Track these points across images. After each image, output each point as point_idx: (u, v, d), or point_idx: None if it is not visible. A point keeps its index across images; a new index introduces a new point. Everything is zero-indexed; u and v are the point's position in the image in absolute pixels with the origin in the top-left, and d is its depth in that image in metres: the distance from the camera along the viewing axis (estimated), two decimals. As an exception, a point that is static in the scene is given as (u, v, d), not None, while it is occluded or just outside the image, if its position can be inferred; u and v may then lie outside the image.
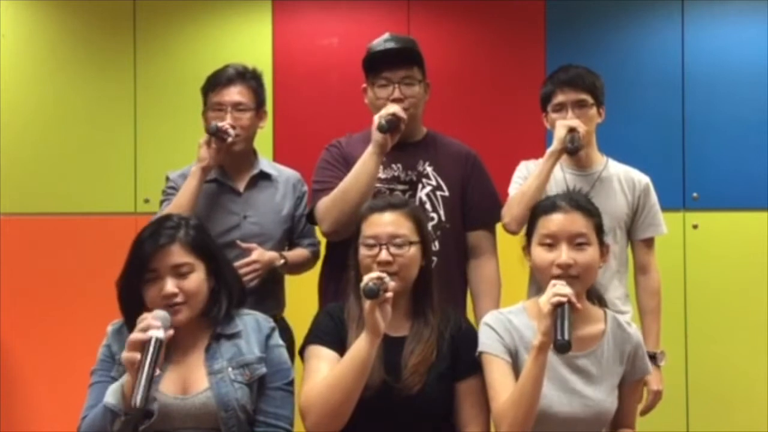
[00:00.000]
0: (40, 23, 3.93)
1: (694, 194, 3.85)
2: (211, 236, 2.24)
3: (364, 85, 2.73)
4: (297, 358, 2.33)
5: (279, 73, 3.91)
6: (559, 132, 2.66)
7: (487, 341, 2.16)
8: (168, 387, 2.05)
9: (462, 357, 2.22)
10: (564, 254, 2.11)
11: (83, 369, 2.24)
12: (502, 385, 2.09)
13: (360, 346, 2.06)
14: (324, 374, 2.12)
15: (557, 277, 2.09)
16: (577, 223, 2.15)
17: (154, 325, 1.92)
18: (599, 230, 2.19)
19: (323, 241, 2.77)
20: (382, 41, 2.71)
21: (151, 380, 1.86)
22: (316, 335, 2.23)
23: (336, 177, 2.65)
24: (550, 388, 2.09)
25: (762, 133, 3.85)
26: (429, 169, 2.71)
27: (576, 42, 3.88)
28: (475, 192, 2.74)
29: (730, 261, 3.83)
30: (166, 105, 3.86)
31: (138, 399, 1.82)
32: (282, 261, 2.81)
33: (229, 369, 2.08)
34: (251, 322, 2.18)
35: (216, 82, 2.83)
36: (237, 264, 2.56)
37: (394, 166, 2.69)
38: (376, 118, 2.55)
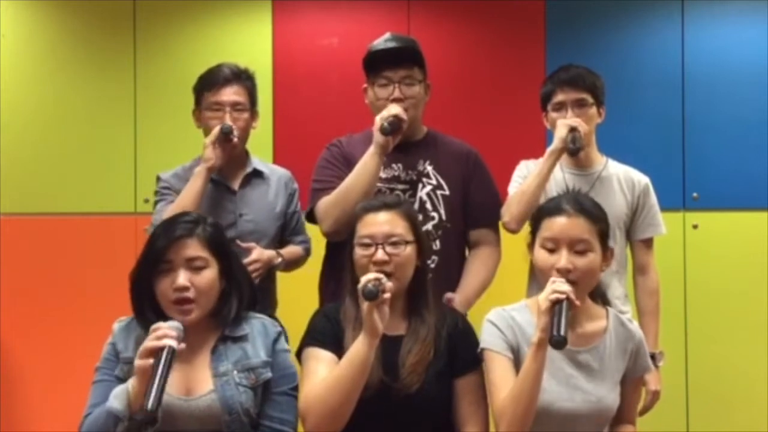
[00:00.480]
0: (40, 23, 3.93)
1: (694, 194, 3.85)
2: (227, 237, 2.24)
3: (365, 85, 2.73)
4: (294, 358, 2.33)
5: (279, 73, 3.91)
6: (560, 131, 2.66)
7: (489, 338, 2.16)
8: (172, 387, 2.03)
9: (459, 354, 2.22)
10: (563, 259, 2.10)
11: (83, 369, 2.24)
12: (503, 382, 2.09)
13: (358, 347, 2.06)
14: (322, 376, 2.11)
15: (557, 278, 2.10)
16: (580, 228, 2.13)
17: (170, 335, 1.90)
18: (603, 235, 2.17)
19: (323, 241, 2.76)
20: (383, 41, 2.70)
21: (163, 389, 1.84)
22: (313, 337, 2.23)
23: (336, 176, 2.65)
24: (552, 383, 2.10)
25: (762, 133, 3.85)
26: (429, 168, 2.70)
27: (576, 42, 3.88)
28: (478, 190, 2.74)
29: (730, 261, 3.83)
30: (166, 105, 3.85)
31: (150, 403, 1.80)
32: (279, 259, 2.82)
33: (234, 372, 2.07)
34: (258, 326, 2.17)
35: (213, 81, 2.82)
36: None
37: (394, 165, 2.68)
38: (378, 120, 2.54)
